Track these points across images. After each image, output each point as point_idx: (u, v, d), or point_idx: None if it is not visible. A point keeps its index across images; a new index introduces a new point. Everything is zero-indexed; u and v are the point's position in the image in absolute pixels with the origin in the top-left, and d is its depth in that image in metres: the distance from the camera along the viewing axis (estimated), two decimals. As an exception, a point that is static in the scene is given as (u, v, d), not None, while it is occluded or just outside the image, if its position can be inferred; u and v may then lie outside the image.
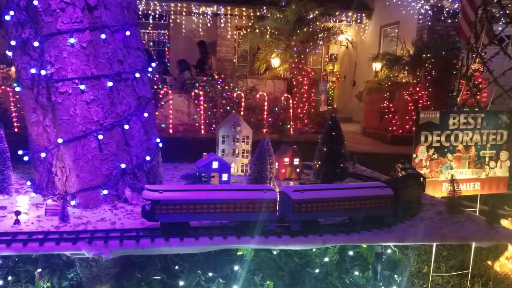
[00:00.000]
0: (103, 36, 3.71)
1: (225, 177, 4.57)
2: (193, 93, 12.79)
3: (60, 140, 3.71)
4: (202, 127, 12.80)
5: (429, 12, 14.60)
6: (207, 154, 4.69)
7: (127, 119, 3.94)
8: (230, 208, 3.18)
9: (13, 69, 12.65)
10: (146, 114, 4.10)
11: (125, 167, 3.94)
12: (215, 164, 4.52)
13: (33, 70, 3.73)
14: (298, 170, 5.13)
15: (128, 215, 3.63)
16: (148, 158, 4.13)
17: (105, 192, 3.82)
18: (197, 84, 12.92)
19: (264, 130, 12.84)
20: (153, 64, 4.39)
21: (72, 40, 3.61)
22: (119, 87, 3.88)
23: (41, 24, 3.62)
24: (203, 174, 4.13)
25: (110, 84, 3.78)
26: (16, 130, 11.09)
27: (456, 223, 3.83)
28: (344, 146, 4.72)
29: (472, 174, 5.45)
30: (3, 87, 12.17)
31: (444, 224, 3.77)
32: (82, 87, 3.66)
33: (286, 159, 5.07)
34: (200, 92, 12.74)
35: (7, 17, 3.72)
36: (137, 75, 4.00)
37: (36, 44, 3.61)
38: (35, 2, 3.55)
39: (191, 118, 13.04)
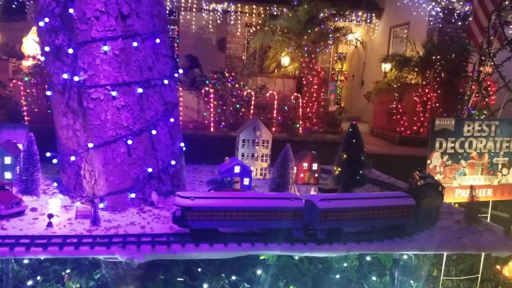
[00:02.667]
0: (135, 44, 3.79)
1: (246, 181, 4.66)
2: (203, 90, 12.84)
3: (90, 145, 3.80)
4: (212, 124, 12.85)
5: (440, 14, 14.60)
6: (229, 158, 4.77)
7: (154, 124, 4.03)
8: (258, 216, 3.27)
9: (24, 62, 12.75)
10: (172, 120, 4.18)
11: (152, 171, 4.03)
12: (237, 169, 4.61)
13: (65, 76, 3.81)
14: (316, 175, 5.21)
15: (156, 219, 3.72)
16: (173, 162, 4.21)
17: (133, 195, 3.92)
18: (207, 82, 12.97)
19: (274, 129, 12.88)
20: (180, 71, 4.47)
21: (105, 48, 3.69)
22: (148, 93, 3.97)
23: (75, 31, 3.70)
24: (226, 179, 4.23)
25: (140, 90, 3.86)
26: (26, 123, 11.17)
27: (475, 232, 3.91)
28: (364, 153, 4.80)
29: (484, 180, 5.52)
30: (14, 81, 12.24)
31: (463, 234, 3.85)
32: (114, 93, 3.75)
33: (305, 164, 5.15)
34: (210, 90, 12.79)
35: (41, 23, 3.80)
36: (166, 81, 4.09)
37: (70, 51, 3.69)
38: (71, 10, 3.63)
39: (201, 115, 13.08)
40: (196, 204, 3.19)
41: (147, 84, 3.93)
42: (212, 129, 12.82)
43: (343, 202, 3.45)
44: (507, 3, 8.10)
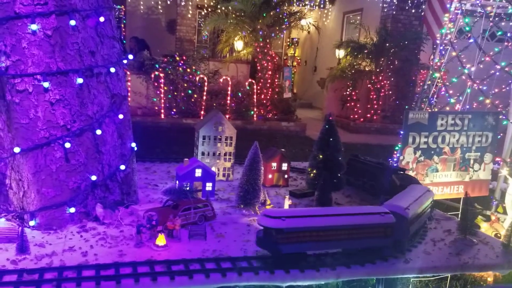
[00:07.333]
0: (72, 22, 3.02)
1: (209, 186, 4.03)
2: (152, 75, 12.08)
3: (17, 149, 3.01)
4: (162, 111, 12.13)
5: (394, 0, 14.38)
6: (188, 159, 4.11)
7: (99, 122, 3.29)
8: (345, 235, 2.97)
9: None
10: (121, 116, 3.45)
11: (96, 178, 3.30)
12: (198, 172, 3.96)
13: (-18, 61, 2.99)
14: (286, 175, 4.65)
15: (101, 240, 3.01)
16: (122, 166, 3.50)
17: (72, 210, 3.18)
18: (157, 65, 12.16)
19: (227, 116, 12.33)
20: (130, 56, 3.73)
21: (33, 27, 2.90)
22: (90, 84, 3.22)
23: (-7, 4, 2.89)
24: (187, 187, 3.58)
25: (80, 80, 3.11)
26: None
27: (472, 247, 3.50)
28: (342, 153, 4.27)
29: (456, 177, 5.27)
30: None
31: (460, 249, 3.42)
32: (46, 84, 2.97)
33: (274, 164, 4.57)
34: (161, 74, 12.03)
35: None
36: (112, 69, 3.34)
37: (-13, 29, 2.88)
38: (-14, -24, 2.81)
39: (150, 101, 12.37)
40: (289, 224, 2.78)
41: (88, 73, 3.17)
42: (162, 116, 12.10)
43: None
44: None
